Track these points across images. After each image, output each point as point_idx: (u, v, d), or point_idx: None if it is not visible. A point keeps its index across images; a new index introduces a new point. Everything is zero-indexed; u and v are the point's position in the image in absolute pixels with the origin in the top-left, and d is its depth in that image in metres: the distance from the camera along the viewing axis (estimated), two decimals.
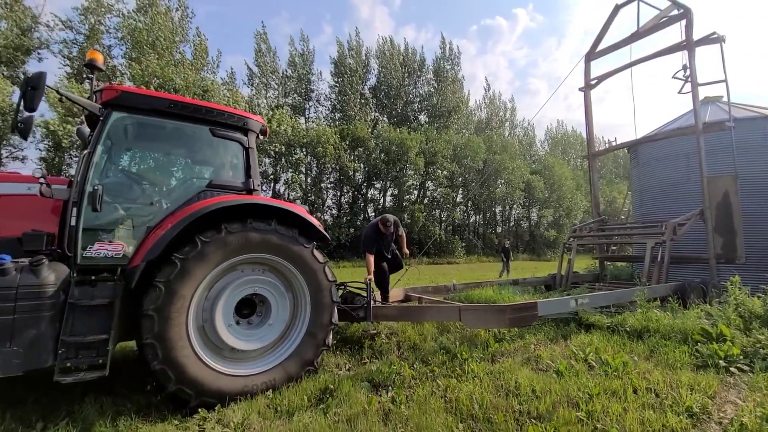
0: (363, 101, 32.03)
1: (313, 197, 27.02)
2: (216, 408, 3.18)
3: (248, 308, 3.76)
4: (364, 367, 4.18)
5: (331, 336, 4.02)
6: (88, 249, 3.16)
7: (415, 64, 34.94)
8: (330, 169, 27.32)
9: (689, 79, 9.03)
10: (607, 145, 56.67)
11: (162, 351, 3.07)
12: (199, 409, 3.13)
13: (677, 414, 2.98)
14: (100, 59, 3.42)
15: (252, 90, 27.27)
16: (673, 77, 9.83)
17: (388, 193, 31.05)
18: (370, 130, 29.28)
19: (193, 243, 3.28)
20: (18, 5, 18.75)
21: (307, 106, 30.66)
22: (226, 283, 3.55)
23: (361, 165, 28.18)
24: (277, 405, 3.28)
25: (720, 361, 3.97)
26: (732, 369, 3.86)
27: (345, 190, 29.58)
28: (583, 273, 10.71)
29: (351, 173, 27.48)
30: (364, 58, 32.94)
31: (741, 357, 4.06)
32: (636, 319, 5.22)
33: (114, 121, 3.38)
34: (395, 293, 6.67)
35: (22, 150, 18.68)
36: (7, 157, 18.08)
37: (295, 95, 29.71)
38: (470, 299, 6.94)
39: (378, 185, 30.88)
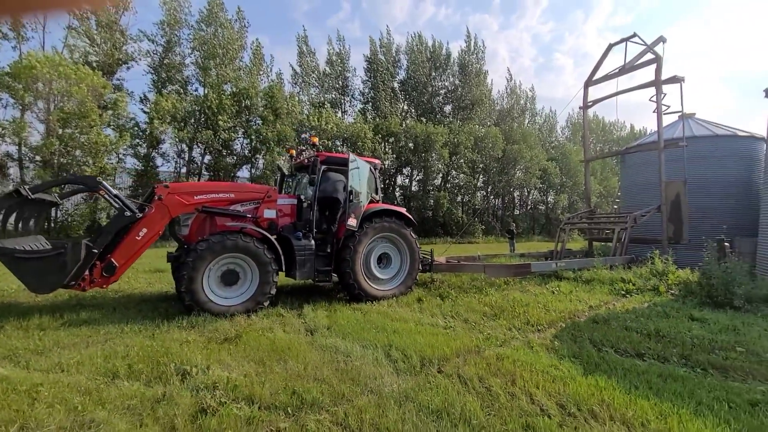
0: (392, 95, 35.21)
1: None
2: (374, 302, 7.03)
3: (380, 260, 7.60)
4: (435, 291, 8.00)
5: (417, 275, 7.84)
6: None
7: (442, 58, 37.67)
8: None
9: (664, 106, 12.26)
10: (628, 128, 58.06)
11: (352, 275, 6.93)
12: (366, 302, 6.99)
13: (580, 303, 6.69)
14: (317, 141, 7.18)
15: (297, 88, 30.92)
16: (650, 100, 12.99)
17: (414, 178, 34.62)
18: (400, 122, 32.59)
19: (362, 228, 7.08)
20: (116, 25, 22.75)
21: (344, 100, 34.15)
22: (372, 247, 7.38)
23: (393, 155, 31.71)
24: (399, 301, 7.13)
25: (622, 292, 7.62)
26: (627, 296, 7.50)
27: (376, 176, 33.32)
28: (576, 250, 14.24)
29: (383, 163, 31.09)
30: (394, 54, 35.94)
31: (635, 290, 7.70)
32: (589, 273, 8.85)
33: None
34: (440, 260, 10.44)
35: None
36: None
37: (334, 92, 33.22)
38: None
39: (406, 171, 34.44)
